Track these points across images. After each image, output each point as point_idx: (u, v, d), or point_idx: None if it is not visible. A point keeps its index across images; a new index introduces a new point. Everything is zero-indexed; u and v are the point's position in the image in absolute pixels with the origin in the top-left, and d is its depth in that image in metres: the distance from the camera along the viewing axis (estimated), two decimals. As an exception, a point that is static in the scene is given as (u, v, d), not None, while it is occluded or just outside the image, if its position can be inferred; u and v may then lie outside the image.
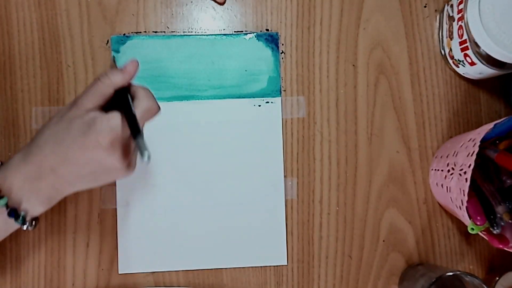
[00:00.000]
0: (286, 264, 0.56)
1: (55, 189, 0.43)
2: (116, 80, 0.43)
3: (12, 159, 0.43)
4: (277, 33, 0.57)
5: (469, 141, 0.47)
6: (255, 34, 0.57)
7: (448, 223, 0.57)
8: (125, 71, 0.43)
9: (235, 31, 0.57)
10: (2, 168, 0.43)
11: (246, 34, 0.57)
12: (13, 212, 0.41)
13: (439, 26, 0.58)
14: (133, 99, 0.43)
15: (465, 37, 0.50)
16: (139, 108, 0.42)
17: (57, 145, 0.41)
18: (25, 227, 0.43)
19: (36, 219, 0.45)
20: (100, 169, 0.42)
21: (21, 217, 0.42)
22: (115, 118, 0.41)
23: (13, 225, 0.43)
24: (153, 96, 0.44)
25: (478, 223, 0.47)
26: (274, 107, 0.57)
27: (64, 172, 0.42)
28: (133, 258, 0.55)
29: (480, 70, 0.52)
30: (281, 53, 0.57)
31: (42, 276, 0.55)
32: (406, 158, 0.57)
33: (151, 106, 0.43)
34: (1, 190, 0.41)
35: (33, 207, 0.43)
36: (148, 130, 0.56)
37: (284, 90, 0.57)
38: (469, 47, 0.50)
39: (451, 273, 0.48)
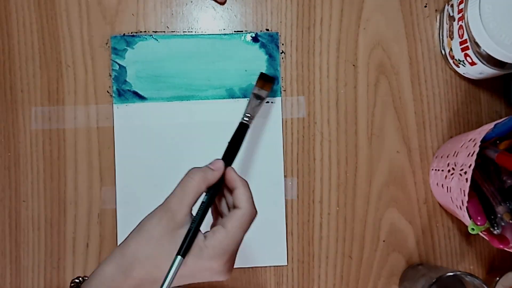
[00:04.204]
0: (286, 264, 0.56)
1: None
2: (210, 179, 0.41)
3: (103, 272, 0.39)
4: (277, 33, 0.57)
5: (469, 141, 0.47)
6: (255, 34, 0.57)
7: (448, 223, 0.57)
8: (216, 170, 0.42)
9: (235, 31, 0.57)
10: (96, 278, 0.39)
11: (246, 34, 0.57)
12: None
13: (440, 26, 0.58)
14: (232, 196, 0.42)
15: (465, 37, 0.50)
16: (238, 219, 0.40)
17: (161, 260, 0.38)
18: None
19: None
20: (203, 280, 0.40)
21: None
22: (223, 236, 0.39)
23: None
24: (251, 197, 0.42)
25: (479, 223, 0.47)
26: (274, 107, 0.57)
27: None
28: (133, 258, 0.55)
29: (480, 70, 0.52)
30: (281, 53, 0.57)
31: (42, 276, 0.55)
32: (406, 158, 0.57)
33: (251, 214, 0.41)
34: None
35: None
36: (148, 130, 0.56)
37: (284, 90, 0.57)
38: (470, 47, 0.50)
39: (451, 273, 0.48)
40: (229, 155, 0.45)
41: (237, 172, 0.43)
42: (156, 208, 0.41)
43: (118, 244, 0.53)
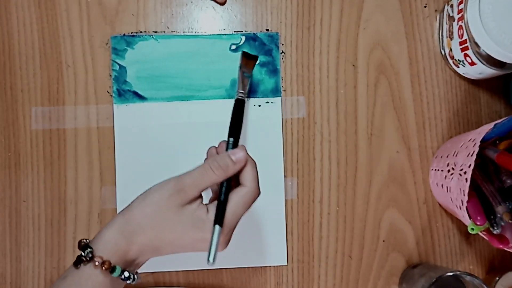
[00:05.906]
0: (286, 264, 0.56)
1: (148, 258, 0.43)
2: (230, 173, 0.42)
3: (105, 236, 0.41)
4: (277, 33, 0.57)
5: (469, 141, 0.47)
6: (255, 34, 0.57)
7: (448, 223, 0.57)
8: (237, 163, 0.42)
9: (235, 31, 0.57)
10: (98, 242, 0.40)
11: (246, 34, 0.57)
12: (126, 276, 0.42)
13: (439, 26, 0.58)
14: (238, 180, 0.43)
15: (465, 37, 0.50)
16: (242, 196, 0.42)
17: (164, 231, 0.41)
18: (133, 282, 0.43)
19: (137, 272, 0.44)
20: (200, 250, 0.42)
21: (132, 277, 0.42)
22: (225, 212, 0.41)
23: (120, 284, 0.43)
24: (257, 177, 0.43)
25: (478, 223, 0.47)
26: (274, 107, 0.57)
27: (165, 250, 0.42)
28: (133, 258, 0.55)
29: (480, 70, 0.52)
30: (281, 53, 0.57)
31: (42, 276, 0.55)
32: (406, 158, 0.57)
33: (255, 193, 0.42)
34: (108, 263, 0.40)
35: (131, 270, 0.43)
36: (148, 130, 0.56)
37: (284, 90, 0.57)
38: (469, 47, 0.50)
39: (451, 273, 0.48)
40: (235, 133, 0.46)
41: (247, 151, 0.43)
42: (168, 180, 0.42)
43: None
